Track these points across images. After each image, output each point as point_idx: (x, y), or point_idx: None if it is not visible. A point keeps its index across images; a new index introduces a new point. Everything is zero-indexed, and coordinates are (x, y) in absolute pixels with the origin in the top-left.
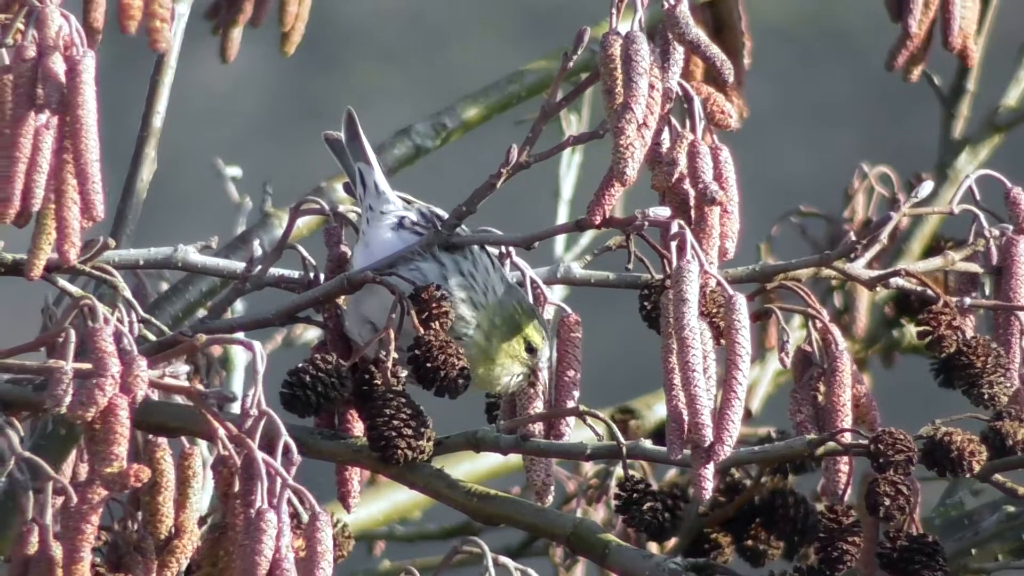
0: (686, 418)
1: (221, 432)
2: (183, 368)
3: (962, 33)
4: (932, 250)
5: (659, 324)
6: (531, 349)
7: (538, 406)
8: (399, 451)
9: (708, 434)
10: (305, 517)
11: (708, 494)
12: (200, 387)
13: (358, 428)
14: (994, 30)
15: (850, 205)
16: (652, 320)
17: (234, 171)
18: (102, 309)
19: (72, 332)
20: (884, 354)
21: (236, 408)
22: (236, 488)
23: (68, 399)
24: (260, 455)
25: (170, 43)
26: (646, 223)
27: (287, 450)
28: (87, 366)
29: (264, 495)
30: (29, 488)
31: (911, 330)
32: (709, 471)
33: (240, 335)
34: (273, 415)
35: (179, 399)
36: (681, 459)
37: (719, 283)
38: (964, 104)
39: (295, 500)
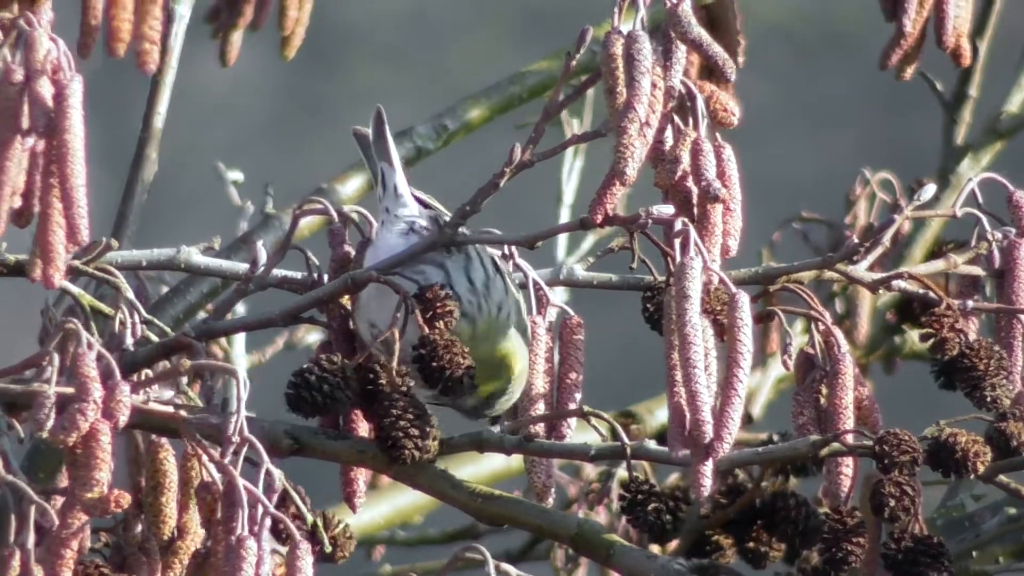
0: (687, 414)
1: (204, 458)
2: (167, 393)
3: (956, 32)
4: (934, 255)
5: (661, 326)
6: (500, 391)
7: (540, 407)
8: (406, 451)
9: (708, 430)
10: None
11: (707, 491)
12: (184, 408)
13: (363, 428)
14: (996, 35)
15: (852, 211)
16: (654, 322)
17: (235, 175)
18: (85, 333)
19: (56, 356)
20: (885, 360)
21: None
22: (218, 515)
23: (50, 423)
24: (241, 482)
25: (158, 64)
26: (649, 221)
27: (269, 476)
28: (70, 391)
29: (245, 522)
30: (12, 511)
31: (912, 336)
32: (708, 468)
33: (240, 338)
34: (255, 442)
35: (180, 401)
36: (682, 457)
37: (722, 280)
38: (966, 110)
39: (291, 519)
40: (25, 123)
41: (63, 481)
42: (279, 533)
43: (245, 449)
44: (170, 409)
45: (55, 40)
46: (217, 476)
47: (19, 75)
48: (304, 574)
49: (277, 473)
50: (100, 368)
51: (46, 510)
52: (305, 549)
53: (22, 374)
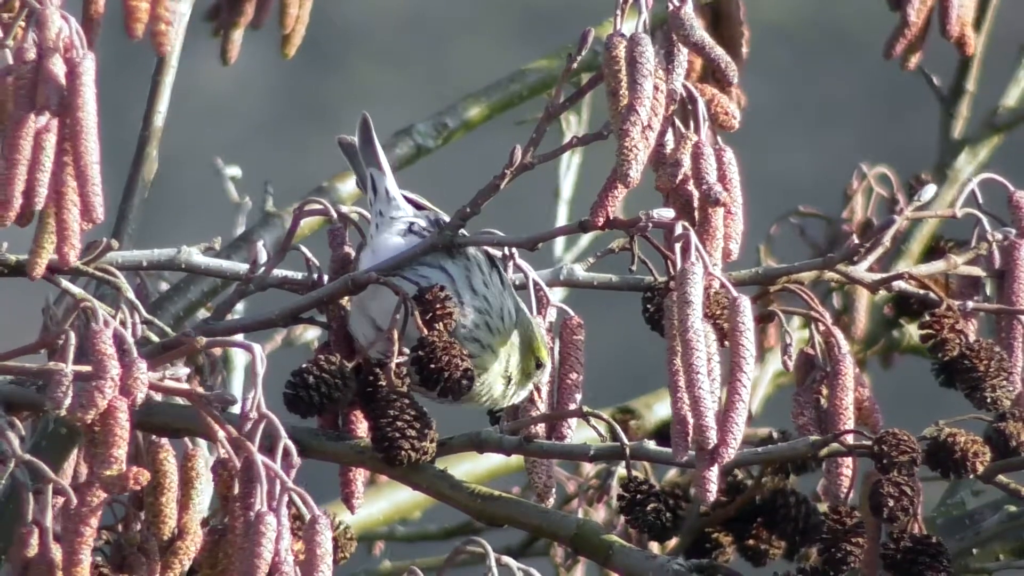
0: (690, 420)
1: (221, 435)
2: (183, 370)
3: (960, 21)
4: (932, 250)
5: (661, 326)
6: (539, 365)
7: (541, 407)
8: (403, 452)
9: (712, 436)
10: (307, 516)
11: (712, 496)
12: (200, 389)
13: (362, 429)
14: (993, 31)
15: (849, 206)
16: (654, 322)
17: (233, 171)
18: (102, 311)
19: (72, 334)
20: (883, 355)
21: (236, 410)
22: (235, 491)
23: (68, 401)
24: (260, 458)
25: (173, 45)
26: (650, 225)
27: (287, 453)
28: (87, 368)
29: (264, 498)
30: (30, 489)
31: (910, 331)
32: (713, 473)
33: (240, 337)
34: (273, 418)
35: (181, 400)
36: (686, 460)
37: (723, 285)
38: (963, 104)
39: (297, 502)
40: (39, 101)
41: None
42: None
43: (263, 425)
44: (186, 386)
45: (67, 18)
46: (233, 453)
47: (32, 53)
48: (324, 550)
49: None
50: (116, 345)
51: (64, 488)
52: (324, 524)
53: (38, 353)
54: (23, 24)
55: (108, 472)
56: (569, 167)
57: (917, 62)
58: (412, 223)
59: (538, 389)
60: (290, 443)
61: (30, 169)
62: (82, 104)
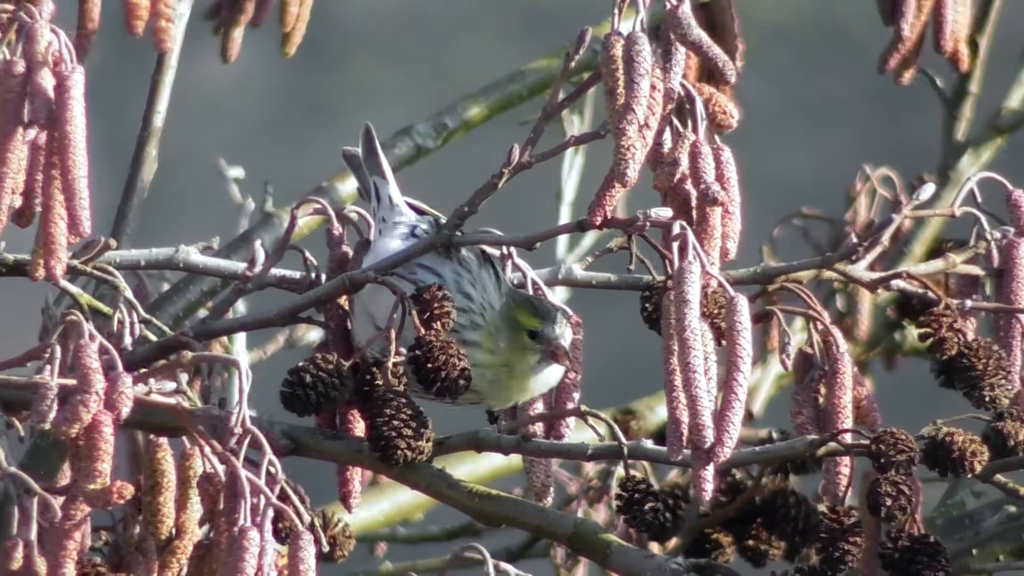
0: (686, 419)
1: (207, 450)
2: (170, 385)
3: (954, 36)
4: (934, 253)
5: (660, 325)
6: (532, 334)
7: (539, 407)
8: (399, 451)
9: (708, 435)
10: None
11: (708, 495)
12: (195, 397)
13: (359, 428)
14: (996, 33)
15: (852, 207)
16: (653, 321)
17: (236, 172)
18: (87, 325)
19: (58, 348)
20: (886, 357)
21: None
22: (220, 506)
23: (52, 415)
24: (244, 474)
25: (174, 42)
26: (648, 224)
27: (271, 468)
28: (72, 382)
29: (247, 513)
30: (15, 502)
31: (913, 333)
32: (709, 472)
33: (240, 336)
34: (258, 433)
35: (179, 399)
36: (681, 460)
37: (720, 284)
38: (966, 106)
39: (293, 513)
40: (27, 115)
41: (63, 479)
42: (279, 532)
43: (247, 440)
44: (172, 401)
45: (56, 32)
46: (219, 468)
47: (20, 67)
48: (307, 566)
49: (279, 465)
50: (102, 360)
51: (49, 502)
52: (308, 541)
53: (24, 366)
54: (12, 38)
55: (92, 486)
56: (572, 169)
57: (911, 77)
58: (414, 227)
59: (557, 352)
60: (275, 459)
61: (30, 171)
62: (70, 118)
